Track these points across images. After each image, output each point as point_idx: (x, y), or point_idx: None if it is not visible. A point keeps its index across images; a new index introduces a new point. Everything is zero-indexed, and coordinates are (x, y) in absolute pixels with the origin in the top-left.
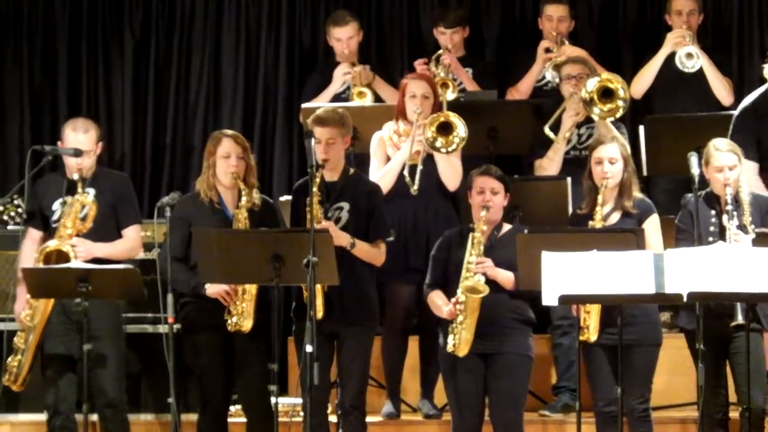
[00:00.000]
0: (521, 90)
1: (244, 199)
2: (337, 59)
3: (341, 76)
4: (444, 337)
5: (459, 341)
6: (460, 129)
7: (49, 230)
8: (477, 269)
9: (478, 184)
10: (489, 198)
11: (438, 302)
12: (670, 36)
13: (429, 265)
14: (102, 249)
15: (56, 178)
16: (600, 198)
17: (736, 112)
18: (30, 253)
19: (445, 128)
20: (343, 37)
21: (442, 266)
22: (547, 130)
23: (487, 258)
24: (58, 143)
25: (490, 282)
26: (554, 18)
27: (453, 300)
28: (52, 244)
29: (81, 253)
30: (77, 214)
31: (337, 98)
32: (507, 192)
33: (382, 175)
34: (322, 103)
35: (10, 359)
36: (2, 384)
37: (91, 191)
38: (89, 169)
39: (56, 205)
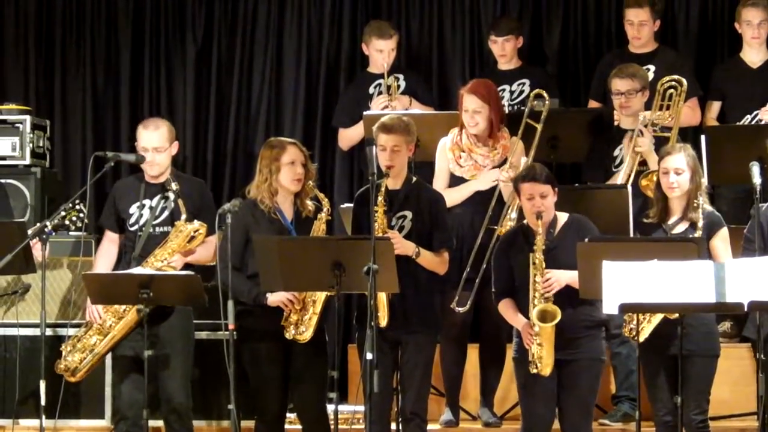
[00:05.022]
0: None
1: (325, 210)
2: (372, 69)
3: (381, 110)
4: (519, 349)
5: (542, 365)
6: None
7: (125, 233)
8: (545, 288)
9: (526, 190)
10: (539, 204)
11: (513, 315)
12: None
13: (492, 271)
14: (192, 256)
15: (134, 182)
16: (696, 205)
17: None
18: (106, 253)
19: None
20: (386, 49)
21: (507, 272)
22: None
23: (551, 271)
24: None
25: (557, 293)
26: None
27: (526, 326)
28: (157, 264)
29: (175, 263)
30: (185, 239)
31: None
32: (555, 188)
33: (448, 193)
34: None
35: (69, 352)
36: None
37: (197, 223)
38: (164, 168)
39: (133, 209)
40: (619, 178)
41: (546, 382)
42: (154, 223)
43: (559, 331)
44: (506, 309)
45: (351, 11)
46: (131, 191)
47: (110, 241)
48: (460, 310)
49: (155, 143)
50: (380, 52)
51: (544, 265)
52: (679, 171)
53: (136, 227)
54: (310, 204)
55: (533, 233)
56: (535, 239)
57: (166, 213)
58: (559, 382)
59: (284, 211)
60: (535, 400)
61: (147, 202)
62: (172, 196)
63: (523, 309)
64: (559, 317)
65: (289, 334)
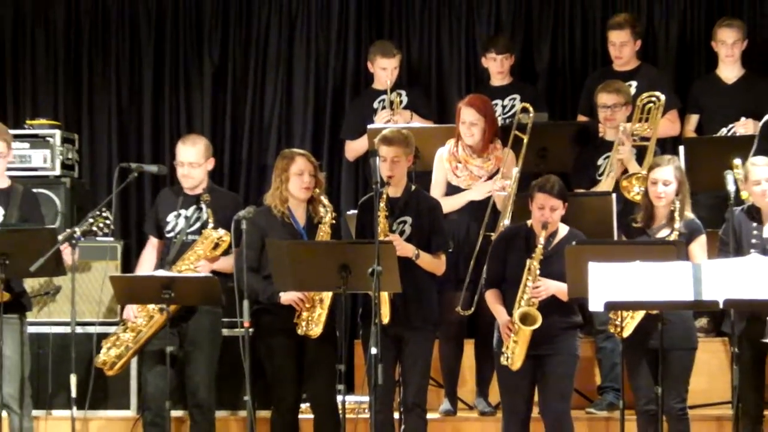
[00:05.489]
0: None
1: (329, 215)
2: (376, 86)
3: (384, 123)
4: (498, 342)
5: (513, 359)
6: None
7: (163, 239)
8: (533, 294)
9: (539, 200)
10: (548, 215)
11: (497, 306)
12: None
13: (487, 260)
14: (217, 264)
15: (173, 192)
16: (673, 209)
17: (762, 122)
18: (149, 256)
19: None
20: (389, 67)
21: (500, 265)
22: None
23: (541, 279)
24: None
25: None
26: (617, 43)
27: (507, 321)
28: (184, 268)
29: (201, 268)
30: (210, 246)
31: None
32: (565, 203)
33: (445, 201)
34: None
35: (108, 348)
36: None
37: (222, 231)
38: (198, 182)
39: (170, 218)
40: (604, 184)
41: (523, 378)
42: (188, 231)
43: (537, 329)
44: (492, 299)
45: (356, 32)
46: (170, 201)
47: (152, 246)
48: (465, 313)
49: (191, 158)
50: (384, 69)
51: (537, 273)
52: (667, 182)
53: (171, 234)
54: (322, 210)
55: (535, 238)
56: (535, 247)
57: (199, 223)
58: (537, 374)
59: (297, 216)
60: (513, 394)
61: (183, 211)
62: (204, 207)
63: (508, 303)
64: (539, 323)
65: (301, 330)
